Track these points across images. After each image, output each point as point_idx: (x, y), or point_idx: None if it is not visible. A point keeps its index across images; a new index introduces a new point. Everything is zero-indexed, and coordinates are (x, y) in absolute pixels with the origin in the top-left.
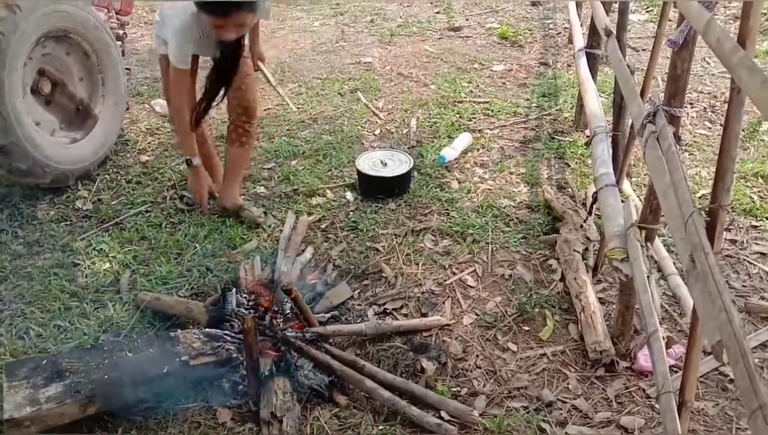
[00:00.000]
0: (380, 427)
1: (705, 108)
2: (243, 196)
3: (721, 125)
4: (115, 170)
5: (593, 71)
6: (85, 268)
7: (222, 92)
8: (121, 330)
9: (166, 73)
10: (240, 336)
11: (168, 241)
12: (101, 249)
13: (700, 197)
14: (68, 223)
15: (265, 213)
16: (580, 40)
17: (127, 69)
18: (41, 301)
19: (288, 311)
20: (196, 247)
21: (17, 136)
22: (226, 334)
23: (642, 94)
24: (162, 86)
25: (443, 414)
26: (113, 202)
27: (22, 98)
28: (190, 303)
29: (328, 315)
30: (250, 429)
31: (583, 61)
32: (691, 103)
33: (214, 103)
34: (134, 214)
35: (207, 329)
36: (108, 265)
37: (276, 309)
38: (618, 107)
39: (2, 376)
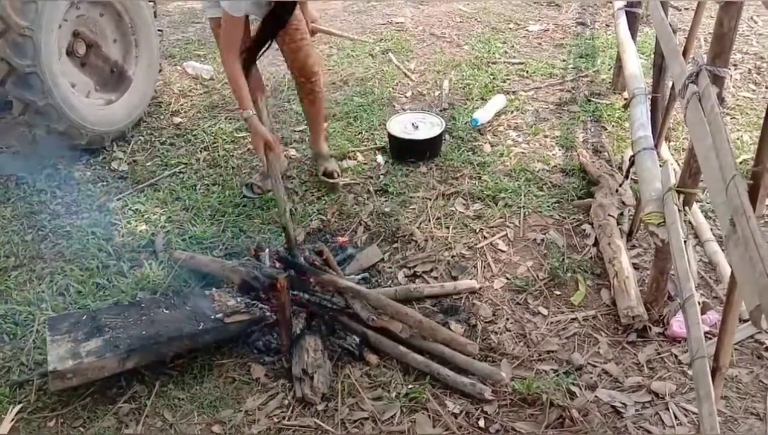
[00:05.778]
0: (410, 386)
1: (750, 69)
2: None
3: (766, 87)
4: (149, 132)
5: (633, 31)
6: (121, 227)
7: (267, 45)
8: (158, 288)
9: (219, 35)
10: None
11: (202, 202)
12: (137, 209)
13: (741, 162)
14: (104, 183)
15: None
16: None
17: (159, 31)
18: (80, 260)
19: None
20: (229, 209)
21: (54, 97)
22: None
23: (684, 54)
24: (221, 47)
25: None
26: (148, 164)
27: (58, 60)
28: (224, 262)
29: (359, 277)
30: (282, 385)
31: (622, 21)
32: (735, 65)
33: (260, 54)
34: (168, 176)
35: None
36: (144, 226)
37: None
38: (658, 68)
39: (45, 330)
